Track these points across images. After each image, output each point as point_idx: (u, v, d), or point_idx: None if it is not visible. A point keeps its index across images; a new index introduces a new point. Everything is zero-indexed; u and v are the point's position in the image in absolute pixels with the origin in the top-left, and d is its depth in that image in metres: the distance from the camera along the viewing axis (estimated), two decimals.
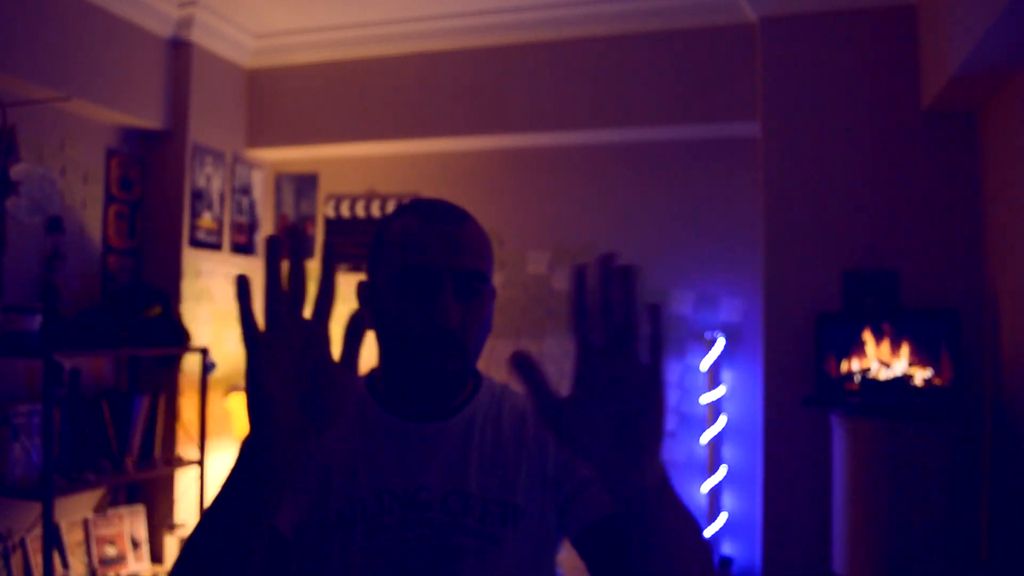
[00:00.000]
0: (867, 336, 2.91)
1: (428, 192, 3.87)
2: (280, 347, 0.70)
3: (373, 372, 1.07)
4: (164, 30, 3.54)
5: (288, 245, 0.72)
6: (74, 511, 3.16)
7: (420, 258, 0.93)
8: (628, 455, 0.70)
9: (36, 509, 2.85)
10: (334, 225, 4.03)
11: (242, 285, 0.71)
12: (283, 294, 0.71)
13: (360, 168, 4.01)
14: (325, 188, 4.08)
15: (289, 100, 3.95)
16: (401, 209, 1.01)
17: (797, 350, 3.06)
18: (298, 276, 0.72)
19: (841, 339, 2.94)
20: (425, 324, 0.91)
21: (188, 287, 3.59)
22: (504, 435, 1.02)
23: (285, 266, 0.71)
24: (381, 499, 0.95)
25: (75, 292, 3.18)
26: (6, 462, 2.66)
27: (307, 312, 0.71)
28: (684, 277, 3.48)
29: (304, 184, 4.12)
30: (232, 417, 3.61)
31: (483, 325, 0.97)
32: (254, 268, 4.04)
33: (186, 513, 3.50)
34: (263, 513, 0.70)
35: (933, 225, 2.99)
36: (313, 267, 4.04)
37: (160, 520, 3.46)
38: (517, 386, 0.93)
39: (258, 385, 0.70)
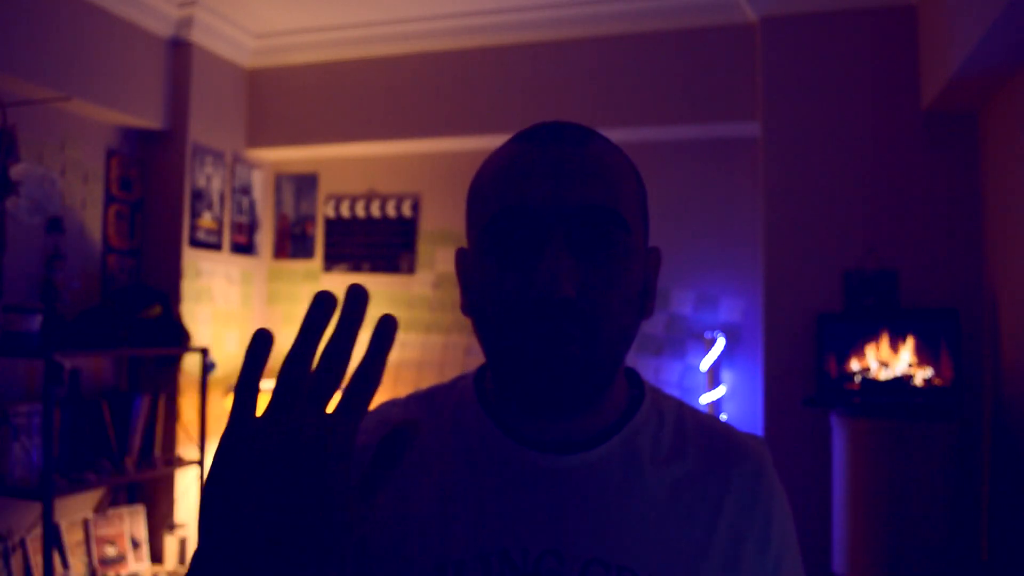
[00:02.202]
0: (867, 336, 2.91)
1: (429, 193, 3.87)
2: (275, 449, 0.46)
3: (479, 376, 0.77)
4: (164, 30, 3.54)
5: (347, 308, 0.48)
6: (74, 511, 3.16)
7: (515, 196, 0.64)
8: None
9: (36, 509, 2.85)
10: (334, 225, 4.03)
11: (260, 341, 0.48)
12: (308, 374, 0.48)
13: (360, 168, 4.01)
14: (325, 188, 4.08)
15: (289, 100, 3.95)
16: (510, 140, 0.72)
17: (797, 350, 3.06)
18: (340, 354, 0.47)
19: (841, 339, 2.94)
20: (521, 292, 0.63)
21: (188, 287, 3.59)
22: (693, 489, 0.69)
23: (326, 334, 0.49)
24: (489, 567, 0.65)
25: (75, 292, 3.18)
26: (6, 462, 2.66)
27: (330, 406, 0.48)
28: (684, 277, 3.48)
29: (304, 184, 4.12)
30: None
31: (627, 293, 0.65)
32: (253, 266, 4.04)
33: (186, 513, 3.50)
34: None
35: (933, 225, 2.99)
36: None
37: (160, 520, 3.46)
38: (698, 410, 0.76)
39: (224, 499, 0.46)
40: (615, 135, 3.50)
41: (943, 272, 2.96)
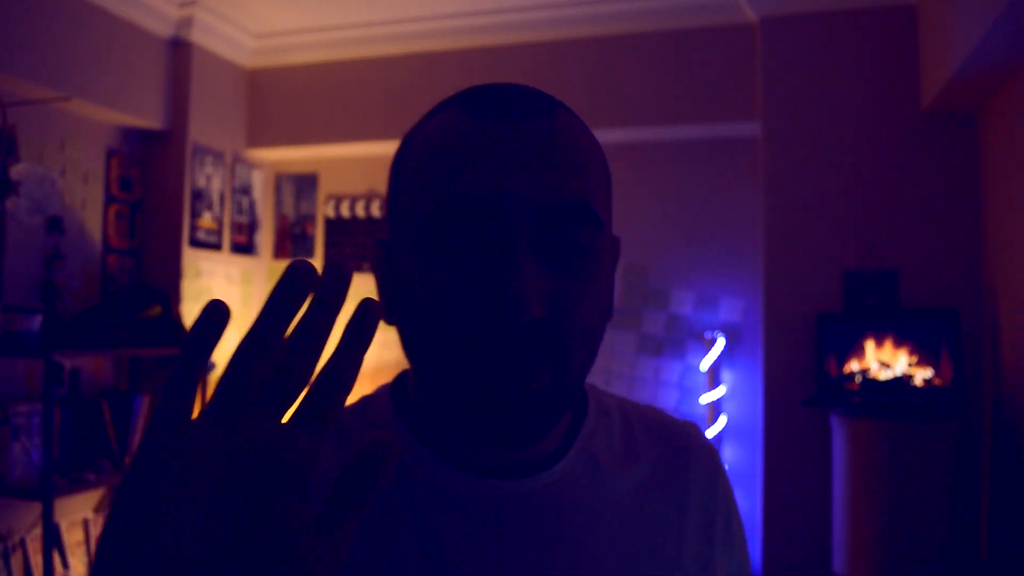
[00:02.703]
0: (867, 336, 2.91)
1: None
2: (213, 464, 0.34)
3: (398, 389, 0.64)
4: (164, 30, 3.54)
5: (326, 287, 0.36)
6: (74, 511, 3.15)
7: (466, 184, 0.51)
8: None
9: (36, 509, 2.85)
10: (334, 225, 4.03)
11: (213, 316, 0.35)
12: (267, 366, 0.36)
13: (360, 168, 4.01)
14: (325, 188, 4.08)
15: (289, 100, 3.95)
16: (440, 104, 0.58)
17: (797, 350, 3.06)
18: (310, 344, 0.36)
19: (841, 339, 2.94)
20: (479, 312, 0.50)
21: (188, 287, 3.59)
22: (650, 497, 0.61)
23: (295, 319, 0.37)
24: None
25: (75, 292, 3.18)
26: (6, 462, 2.66)
27: (286, 413, 0.36)
28: (684, 277, 3.48)
29: (304, 184, 4.12)
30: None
31: (599, 304, 0.54)
32: (253, 266, 4.04)
33: None
34: None
35: (933, 225, 2.99)
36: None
37: None
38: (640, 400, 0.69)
39: (136, 529, 0.33)
40: (615, 135, 3.52)
41: (943, 272, 2.96)
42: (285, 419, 0.36)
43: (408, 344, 0.56)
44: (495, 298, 0.49)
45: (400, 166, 0.58)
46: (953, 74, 2.54)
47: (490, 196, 0.50)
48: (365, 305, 0.36)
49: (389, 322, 0.57)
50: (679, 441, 0.65)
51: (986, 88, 2.68)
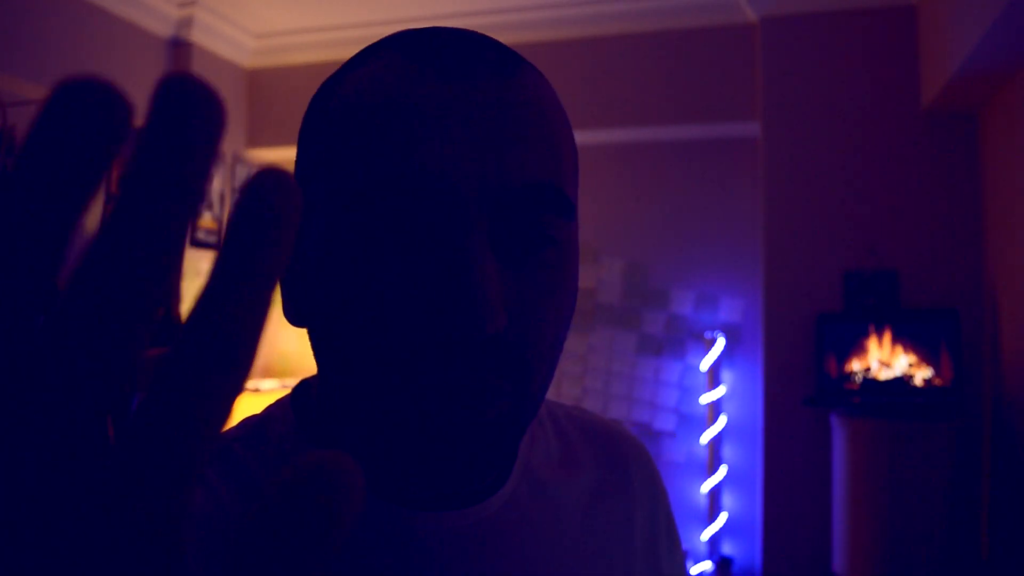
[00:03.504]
0: (867, 336, 2.91)
1: None
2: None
3: (298, 401, 0.49)
4: (164, 30, 3.54)
5: (162, 122, 0.16)
6: None
7: (410, 156, 0.39)
8: None
9: None
10: None
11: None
12: (43, 298, 0.15)
13: None
14: None
15: (289, 100, 3.95)
16: (372, 47, 0.45)
17: (797, 350, 3.06)
18: (142, 264, 0.15)
19: (841, 339, 2.94)
20: (423, 322, 0.39)
21: (188, 287, 3.59)
22: (597, 509, 0.54)
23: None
24: None
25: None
26: None
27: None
28: (684, 277, 3.48)
29: None
30: (232, 417, 3.61)
31: (566, 307, 0.44)
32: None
33: None
34: None
35: (933, 225, 2.99)
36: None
37: None
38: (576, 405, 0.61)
39: None
40: (615, 135, 3.52)
41: (943, 272, 2.96)
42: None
43: (323, 352, 0.44)
44: (447, 304, 0.38)
45: (318, 125, 0.44)
46: (953, 74, 2.54)
47: (443, 170, 0.39)
48: (268, 176, 0.17)
49: (295, 323, 0.46)
50: (615, 447, 0.58)
51: (986, 88, 2.68)
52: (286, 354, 4.02)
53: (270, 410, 0.49)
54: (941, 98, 2.80)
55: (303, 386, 0.50)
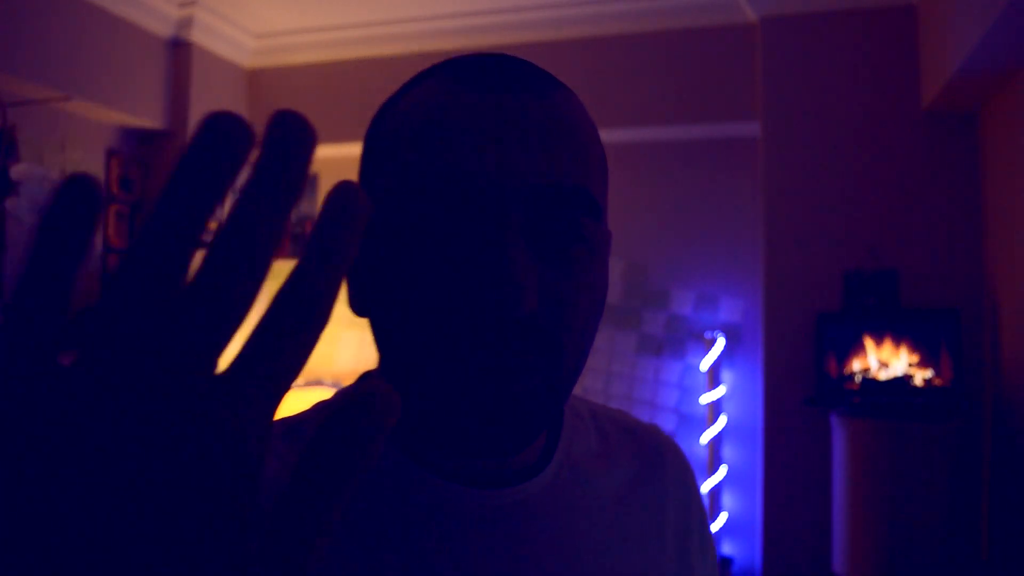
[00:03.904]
0: (867, 336, 2.91)
1: None
2: (112, 425, 0.20)
3: (368, 376, 0.55)
4: (164, 30, 3.54)
5: (275, 145, 0.23)
6: None
7: (456, 160, 0.46)
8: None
9: None
10: None
11: (79, 188, 0.22)
12: (179, 289, 0.21)
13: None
14: (325, 188, 4.08)
15: (289, 100, 3.95)
16: (424, 71, 0.52)
17: (797, 350, 3.06)
18: (252, 249, 0.22)
19: (841, 339, 2.94)
20: (466, 304, 0.45)
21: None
22: (631, 502, 0.58)
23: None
24: None
25: (75, 292, 3.18)
26: None
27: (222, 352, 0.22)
28: (684, 277, 3.48)
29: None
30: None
31: (596, 299, 0.50)
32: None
33: None
34: None
35: (933, 225, 2.99)
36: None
37: None
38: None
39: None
40: (615, 135, 3.52)
41: (943, 272, 2.96)
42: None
43: (383, 337, 0.50)
44: (487, 288, 0.44)
45: (378, 138, 0.51)
46: (953, 74, 2.54)
47: (485, 176, 0.45)
48: (344, 188, 0.23)
49: (360, 313, 0.52)
50: (651, 446, 0.62)
51: (986, 88, 2.68)
52: None
53: (336, 397, 0.53)
54: (941, 98, 2.80)
55: (367, 375, 0.55)
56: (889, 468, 2.55)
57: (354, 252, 0.23)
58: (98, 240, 2.97)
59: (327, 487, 0.22)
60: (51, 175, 2.92)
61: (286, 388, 0.22)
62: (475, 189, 0.45)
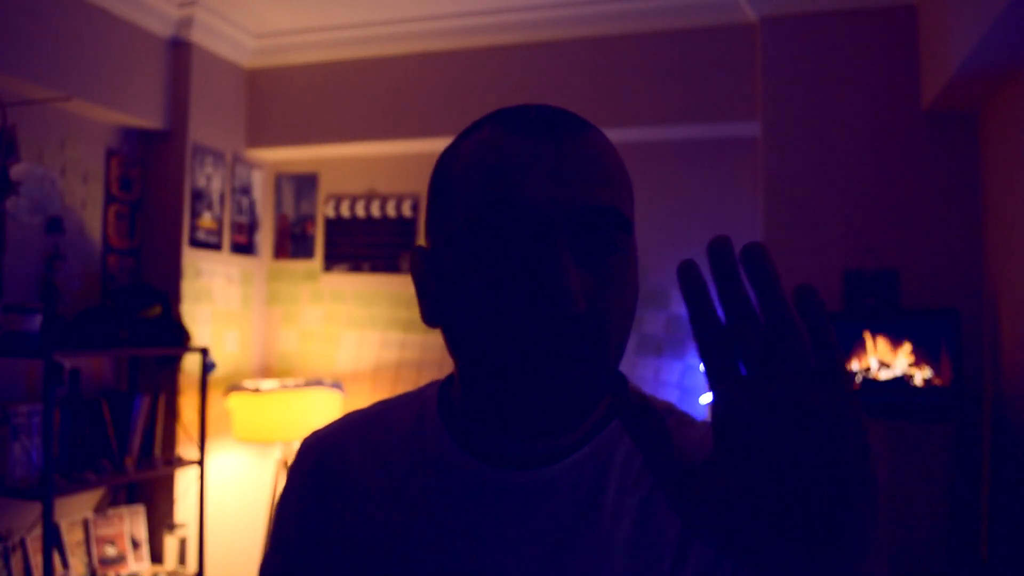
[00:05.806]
0: (867, 336, 2.91)
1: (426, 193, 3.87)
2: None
3: (445, 386, 0.71)
4: (164, 30, 3.54)
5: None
6: (74, 511, 3.16)
7: (510, 190, 0.57)
8: (824, 558, 0.41)
9: (36, 509, 2.85)
10: (334, 225, 4.03)
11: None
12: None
13: (360, 168, 4.01)
14: (325, 188, 4.08)
15: (289, 100, 3.95)
16: (478, 122, 0.64)
17: None
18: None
19: (841, 339, 2.93)
20: (523, 306, 0.56)
21: (188, 287, 3.59)
22: (655, 521, 0.61)
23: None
24: None
25: (75, 292, 3.18)
26: (6, 462, 2.66)
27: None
28: None
29: (304, 184, 4.12)
30: (232, 417, 3.61)
31: (630, 301, 0.60)
32: (254, 266, 4.05)
33: (186, 513, 3.50)
34: None
35: (933, 225, 2.99)
36: (309, 266, 4.04)
37: (160, 520, 3.46)
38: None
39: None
40: (615, 135, 3.50)
41: (943, 272, 2.96)
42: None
43: (455, 340, 0.61)
44: (543, 294, 0.54)
45: (444, 175, 0.63)
46: (953, 74, 2.54)
47: (535, 201, 0.56)
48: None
49: (432, 324, 0.64)
50: (701, 441, 0.63)
51: (986, 88, 2.68)
52: (286, 354, 4.02)
53: (426, 387, 0.73)
54: (941, 98, 2.80)
55: (449, 377, 0.70)
56: (889, 468, 2.55)
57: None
58: (97, 239, 2.96)
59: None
60: (51, 175, 2.92)
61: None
62: (529, 215, 0.56)
